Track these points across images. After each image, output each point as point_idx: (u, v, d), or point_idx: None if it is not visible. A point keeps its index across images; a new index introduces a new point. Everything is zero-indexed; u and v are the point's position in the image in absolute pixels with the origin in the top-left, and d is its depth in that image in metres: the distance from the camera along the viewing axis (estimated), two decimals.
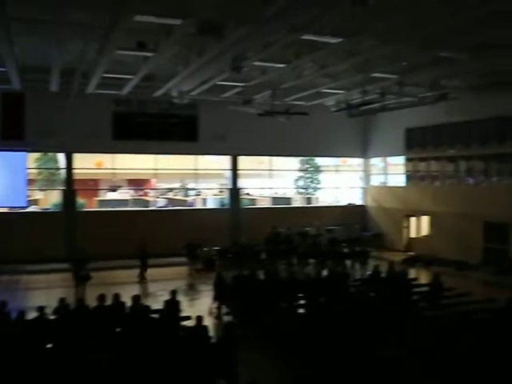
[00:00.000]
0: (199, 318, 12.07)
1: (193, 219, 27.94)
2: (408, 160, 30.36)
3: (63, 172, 27.74)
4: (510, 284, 17.67)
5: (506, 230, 23.86)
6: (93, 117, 26.69)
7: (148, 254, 22.62)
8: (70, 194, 27.17)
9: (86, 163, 28.53)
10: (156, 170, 29.46)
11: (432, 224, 28.40)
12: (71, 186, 27.33)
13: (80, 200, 28.53)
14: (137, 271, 22.53)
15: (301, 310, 15.96)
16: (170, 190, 35.46)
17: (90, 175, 30.58)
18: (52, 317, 12.83)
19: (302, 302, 16.69)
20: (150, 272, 22.51)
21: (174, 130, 28.52)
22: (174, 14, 13.63)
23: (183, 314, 14.08)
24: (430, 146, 28.48)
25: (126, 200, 31.26)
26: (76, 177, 27.49)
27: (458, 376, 10.57)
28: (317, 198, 35.20)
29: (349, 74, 20.95)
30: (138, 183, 34.61)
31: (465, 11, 13.41)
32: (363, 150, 33.34)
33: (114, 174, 29.43)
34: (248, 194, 34.51)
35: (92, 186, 31.75)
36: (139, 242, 22.69)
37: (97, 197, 31.31)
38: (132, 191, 33.82)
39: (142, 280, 22.33)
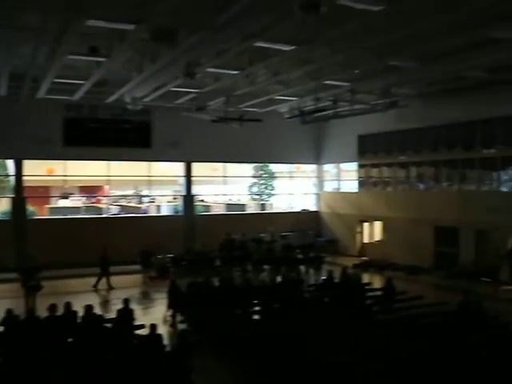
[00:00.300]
0: (153, 327, 11.95)
1: (146, 226, 27.70)
2: (360, 166, 30.77)
3: (12, 179, 27.08)
4: (461, 287, 18.07)
5: (456, 235, 24.40)
6: (43, 122, 26.16)
7: (110, 261, 22.31)
8: (19, 202, 26.51)
9: (37, 170, 27.94)
10: (109, 176, 29.07)
11: (384, 229, 28.83)
12: (21, 194, 26.69)
13: (30, 208, 27.88)
14: (91, 279, 22.20)
15: (256, 317, 15.99)
16: (124, 196, 35.05)
17: (41, 182, 29.93)
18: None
19: (257, 308, 16.69)
20: (102, 280, 22.16)
21: (126, 137, 28.21)
22: (126, 19, 13.53)
23: (137, 323, 13.89)
24: (381, 153, 28.95)
25: (78, 207, 30.75)
26: (26, 184, 26.88)
27: (412, 379, 10.72)
28: (271, 205, 35.32)
29: (302, 81, 21.15)
30: (90, 190, 34.05)
31: (415, 21, 13.73)
32: (316, 156, 33.64)
33: (65, 180, 28.93)
34: (202, 200, 34.38)
35: (43, 193, 31.10)
36: (101, 249, 22.31)
37: (48, 204, 30.68)
38: (84, 198, 33.30)
39: (98, 288, 22.00)
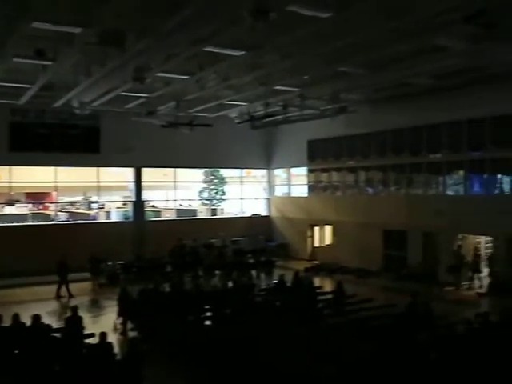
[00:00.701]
0: (103, 335, 11.75)
1: (96, 233, 27.21)
2: (310, 171, 31.05)
3: None
4: (409, 289, 18.45)
5: (404, 238, 24.87)
6: None
7: (68, 268, 21.93)
8: None
9: None
10: (56, 182, 28.43)
11: (335, 233, 29.14)
12: None
13: None
14: (38, 288, 21.74)
15: (207, 322, 15.92)
16: (72, 203, 34.42)
17: None
18: None
19: (209, 313, 16.62)
20: (51, 289, 21.69)
21: (74, 142, 27.59)
22: (74, 22, 13.30)
23: (87, 331, 13.64)
24: (331, 158, 29.28)
25: (25, 214, 30.03)
26: None
27: (363, 381, 10.85)
28: (222, 210, 35.26)
29: (251, 86, 21.22)
30: (37, 197, 33.32)
31: (363, 28, 13.96)
32: (267, 161, 33.80)
33: (10, 187, 28.17)
34: (153, 206, 34.09)
35: None
36: (59, 257, 21.93)
37: None
38: (31, 205, 32.56)
39: (61, 296, 21.55)
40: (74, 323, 13.55)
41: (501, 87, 20.26)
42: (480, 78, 19.94)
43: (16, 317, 12.96)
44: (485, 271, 22.37)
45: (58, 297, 21.53)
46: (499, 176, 22.04)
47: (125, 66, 16.58)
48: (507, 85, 20.03)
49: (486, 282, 21.85)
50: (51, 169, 27.87)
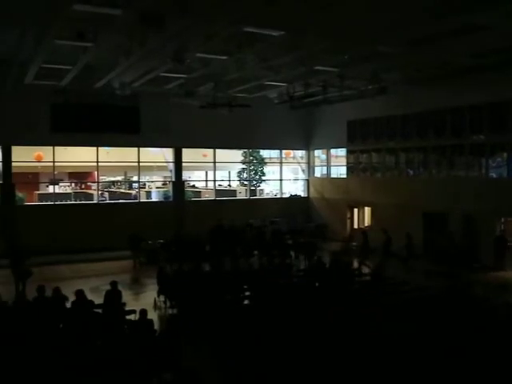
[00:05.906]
0: (143, 312, 11.98)
1: (136, 212, 27.66)
2: (350, 152, 30.81)
3: (0, 165, 26.85)
4: (449, 273, 18.32)
5: (444, 221, 24.49)
6: (31, 108, 25.79)
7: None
8: (8, 188, 26.35)
9: (25, 156, 27.72)
10: (98, 162, 28.84)
11: (373, 215, 28.93)
12: (9, 180, 26.50)
13: (19, 194, 27.70)
14: (80, 266, 22.31)
15: (245, 302, 16.05)
16: (113, 182, 34.97)
17: (30, 168, 29.74)
18: None
19: (247, 293, 16.76)
20: (93, 266, 22.17)
21: (115, 122, 27.76)
22: (113, 3, 13.41)
23: (127, 308, 13.93)
24: (371, 139, 28.98)
25: (69, 193, 30.68)
26: (14, 170, 26.67)
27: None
28: (261, 190, 35.37)
29: (291, 66, 21.08)
30: (79, 176, 33.99)
31: (401, 7, 13.73)
32: (306, 142, 33.66)
33: (54, 167, 28.70)
34: (193, 186, 34.37)
35: (32, 179, 30.95)
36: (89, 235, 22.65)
37: (37, 190, 30.55)
38: (73, 184, 33.21)
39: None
40: (113, 297, 13.85)
41: None
42: None
43: (55, 290, 13.33)
44: None
45: None
46: None
47: (164, 46, 16.68)
48: None
49: None
50: (93, 149, 28.27)
